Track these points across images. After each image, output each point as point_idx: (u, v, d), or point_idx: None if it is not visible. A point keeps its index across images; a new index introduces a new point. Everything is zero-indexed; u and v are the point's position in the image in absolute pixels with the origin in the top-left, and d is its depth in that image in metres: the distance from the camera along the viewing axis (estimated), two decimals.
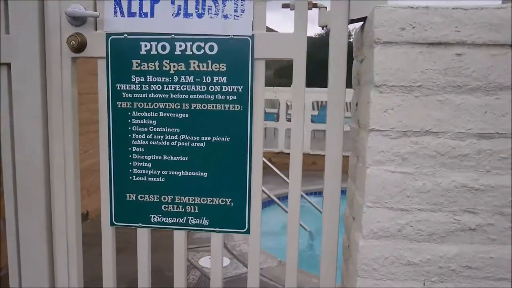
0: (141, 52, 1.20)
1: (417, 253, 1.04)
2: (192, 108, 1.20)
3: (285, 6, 1.17)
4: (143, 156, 1.24)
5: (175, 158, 1.23)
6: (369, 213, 1.04)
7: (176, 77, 1.20)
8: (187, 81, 1.19)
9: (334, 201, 1.20)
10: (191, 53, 1.18)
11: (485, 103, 0.99)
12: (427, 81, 1.00)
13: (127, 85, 1.21)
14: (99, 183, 1.27)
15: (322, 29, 1.19)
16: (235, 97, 1.19)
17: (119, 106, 1.22)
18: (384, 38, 1.00)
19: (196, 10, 1.17)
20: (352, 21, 1.16)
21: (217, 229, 1.25)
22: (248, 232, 1.24)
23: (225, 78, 1.18)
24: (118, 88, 1.22)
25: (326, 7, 1.17)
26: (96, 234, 1.34)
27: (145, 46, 1.20)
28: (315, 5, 1.16)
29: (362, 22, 1.17)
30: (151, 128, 1.22)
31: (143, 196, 1.25)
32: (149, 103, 1.21)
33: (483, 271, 1.03)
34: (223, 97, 1.19)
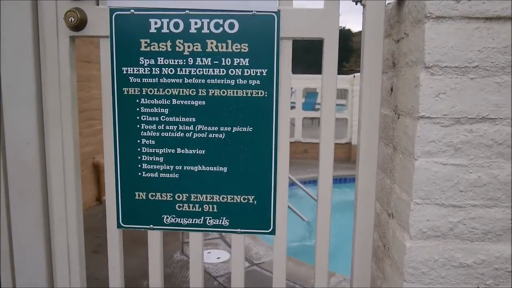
0: (150, 31, 1.05)
1: (471, 254, 0.94)
2: (210, 94, 1.06)
3: None
4: (154, 150, 1.09)
5: (191, 151, 1.09)
6: (417, 210, 0.93)
7: (191, 59, 1.05)
8: (203, 63, 1.05)
9: (369, 195, 1.08)
10: (208, 31, 1.04)
11: None
12: (484, 61, 0.88)
13: (135, 68, 1.06)
14: (87, 175, 1.13)
15: (356, 4, 1.06)
16: (258, 82, 1.05)
17: (125, 93, 1.07)
18: (437, 12, 0.87)
19: None
20: None
21: (239, 230, 1.12)
22: (273, 232, 1.11)
23: (247, 60, 1.04)
24: (125, 72, 1.07)
25: None
26: (86, 230, 1.20)
27: (155, 23, 1.04)
28: None
29: None
30: (163, 118, 1.08)
31: (154, 194, 1.11)
32: (160, 89, 1.07)
33: None
34: (245, 81, 1.05)
